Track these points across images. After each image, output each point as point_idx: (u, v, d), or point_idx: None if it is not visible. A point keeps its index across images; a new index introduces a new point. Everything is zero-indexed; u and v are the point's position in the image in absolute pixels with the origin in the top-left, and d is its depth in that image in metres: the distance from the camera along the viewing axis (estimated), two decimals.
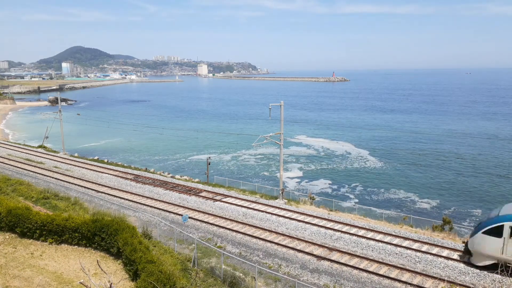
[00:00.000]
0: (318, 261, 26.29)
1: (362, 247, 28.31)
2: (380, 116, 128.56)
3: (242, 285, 21.10)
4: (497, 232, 23.53)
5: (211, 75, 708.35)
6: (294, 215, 34.79)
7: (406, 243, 28.98)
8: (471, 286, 22.94)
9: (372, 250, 27.78)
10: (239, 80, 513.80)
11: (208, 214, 35.35)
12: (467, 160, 67.05)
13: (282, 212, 35.61)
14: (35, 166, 52.97)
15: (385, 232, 30.89)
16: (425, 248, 28.09)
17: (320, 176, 59.65)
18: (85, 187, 43.56)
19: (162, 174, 54.32)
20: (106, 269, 20.01)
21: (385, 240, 29.37)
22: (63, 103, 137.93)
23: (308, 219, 33.92)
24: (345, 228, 31.82)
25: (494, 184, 54.79)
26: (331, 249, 27.93)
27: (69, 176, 48.41)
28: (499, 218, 23.91)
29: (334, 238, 29.99)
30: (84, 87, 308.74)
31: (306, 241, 29.25)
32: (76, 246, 23.03)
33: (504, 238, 23.26)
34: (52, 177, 47.23)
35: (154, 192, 42.21)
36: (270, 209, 36.31)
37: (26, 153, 62.70)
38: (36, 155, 61.01)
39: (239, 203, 38.02)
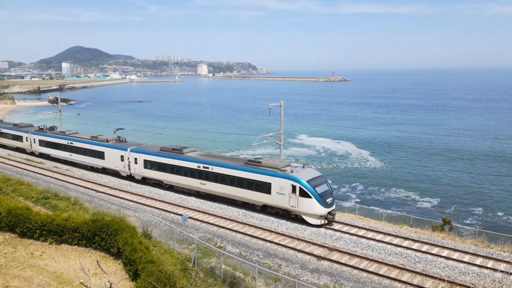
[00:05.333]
0: (318, 261, 26.30)
1: (362, 247, 28.32)
2: (381, 116, 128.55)
3: (242, 285, 21.09)
4: None
5: (211, 75, 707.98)
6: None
7: (406, 243, 29.01)
8: (471, 286, 22.95)
9: (372, 250, 27.80)
10: (239, 80, 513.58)
11: (208, 214, 35.36)
12: (467, 160, 67.05)
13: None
14: (35, 166, 52.97)
15: (385, 232, 30.92)
16: (425, 248, 28.12)
17: None
18: (85, 187, 43.57)
19: None
20: (106, 269, 20.01)
21: (385, 240, 29.41)
22: (63, 103, 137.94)
23: None
24: (345, 228, 31.85)
25: (494, 183, 54.79)
26: (331, 249, 27.94)
27: (69, 176, 48.43)
28: None
29: (334, 238, 30.00)
30: (84, 87, 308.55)
31: (306, 241, 29.27)
32: (76, 246, 23.04)
33: None
34: (52, 177, 47.23)
35: (154, 192, 42.23)
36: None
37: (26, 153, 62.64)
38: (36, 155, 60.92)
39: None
